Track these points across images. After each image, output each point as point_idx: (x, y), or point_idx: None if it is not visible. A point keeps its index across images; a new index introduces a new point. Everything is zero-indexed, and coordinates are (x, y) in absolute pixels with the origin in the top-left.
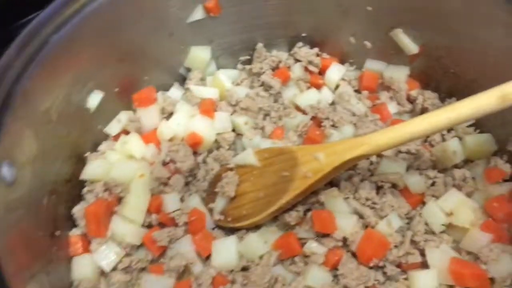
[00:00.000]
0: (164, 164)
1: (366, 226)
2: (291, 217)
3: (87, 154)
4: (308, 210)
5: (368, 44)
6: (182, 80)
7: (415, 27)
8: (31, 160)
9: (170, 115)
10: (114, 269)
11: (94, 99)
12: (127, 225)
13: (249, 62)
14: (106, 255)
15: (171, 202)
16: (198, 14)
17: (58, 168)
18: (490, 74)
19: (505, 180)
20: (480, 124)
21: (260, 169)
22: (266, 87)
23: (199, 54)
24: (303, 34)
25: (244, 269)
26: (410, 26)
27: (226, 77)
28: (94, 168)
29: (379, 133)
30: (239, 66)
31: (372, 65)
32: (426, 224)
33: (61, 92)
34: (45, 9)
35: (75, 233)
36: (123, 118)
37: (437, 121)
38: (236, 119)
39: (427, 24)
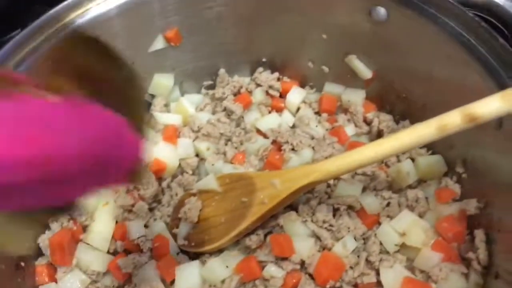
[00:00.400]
0: (128, 191)
1: (323, 248)
2: (252, 240)
3: None
4: (269, 233)
5: (325, 68)
6: (147, 106)
7: (367, 54)
8: None
9: None
10: None
11: None
12: (92, 253)
13: (212, 86)
14: (72, 284)
15: (135, 229)
16: (159, 44)
17: None
18: (437, 100)
19: (455, 200)
20: (431, 145)
21: (222, 194)
22: (228, 112)
23: (162, 81)
24: (263, 59)
25: None
26: (362, 52)
27: (189, 103)
28: None
29: (329, 161)
30: (203, 90)
31: (331, 89)
32: (381, 244)
33: None
34: (4, 47)
35: (41, 262)
36: None
37: (382, 149)
38: (198, 144)
39: (378, 51)
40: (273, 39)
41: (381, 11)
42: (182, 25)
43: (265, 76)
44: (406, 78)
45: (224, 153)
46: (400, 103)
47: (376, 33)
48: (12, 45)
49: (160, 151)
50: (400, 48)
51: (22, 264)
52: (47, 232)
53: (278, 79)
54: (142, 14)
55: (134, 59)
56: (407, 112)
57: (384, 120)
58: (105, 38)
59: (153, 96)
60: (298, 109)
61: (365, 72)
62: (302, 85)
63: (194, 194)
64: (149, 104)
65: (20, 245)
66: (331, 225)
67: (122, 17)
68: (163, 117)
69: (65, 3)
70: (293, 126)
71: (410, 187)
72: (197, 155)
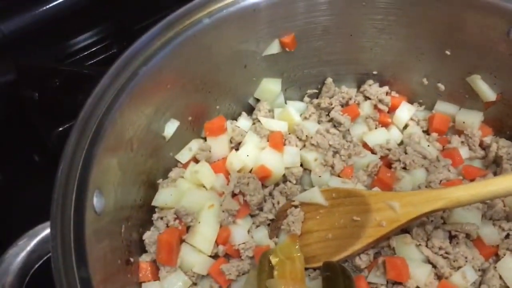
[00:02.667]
0: (233, 195)
1: (438, 276)
2: (362, 260)
3: (159, 181)
4: (378, 253)
5: (441, 86)
6: (250, 110)
7: (495, 75)
8: (114, 188)
9: (238, 144)
10: None
11: (171, 128)
12: (196, 255)
13: (316, 95)
14: (175, 284)
15: (239, 235)
16: (274, 48)
17: (134, 195)
18: None
19: None
20: None
21: (328, 208)
22: (335, 123)
23: (270, 86)
24: (374, 72)
25: None
26: (489, 73)
27: (295, 111)
28: (166, 196)
29: (460, 189)
30: (306, 99)
31: (443, 108)
32: (501, 278)
33: (143, 121)
34: (135, 43)
35: (145, 259)
36: (194, 146)
37: None
38: (305, 154)
39: (508, 73)
40: (388, 52)
41: None
42: (299, 31)
43: (375, 89)
44: None
45: (332, 166)
46: None
47: (510, 55)
48: (141, 42)
49: (266, 158)
50: None
51: (132, 259)
52: (152, 228)
53: (387, 94)
54: (264, 18)
55: (248, 61)
56: None
57: (504, 146)
58: (224, 38)
59: (257, 100)
60: (405, 126)
61: (489, 94)
62: (410, 101)
63: (296, 206)
64: (252, 109)
65: None
66: (447, 253)
67: (245, 20)
68: (269, 123)
69: (193, 2)
70: (401, 143)
71: None
72: (301, 165)
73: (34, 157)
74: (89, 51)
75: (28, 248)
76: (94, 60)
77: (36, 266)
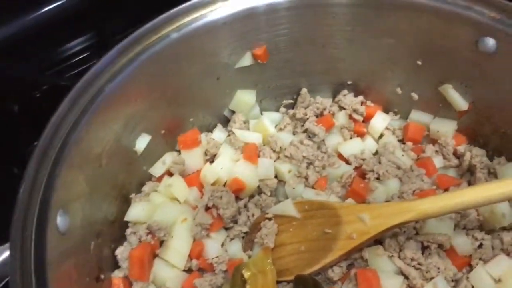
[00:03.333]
0: (207, 209)
1: (410, 287)
2: (334, 272)
3: (132, 195)
4: (351, 265)
5: (415, 96)
6: (225, 122)
7: (466, 84)
8: (81, 206)
9: (213, 156)
10: None
11: (142, 142)
12: (169, 270)
13: (291, 105)
14: None
15: (212, 248)
16: (246, 60)
17: (105, 210)
18: None
19: None
20: None
21: (300, 220)
22: (310, 134)
23: (245, 98)
24: (349, 82)
25: None
26: (460, 82)
27: (270, 122)
28: (139, 211)
29: (428, 201)
30: (282, 109)
31: (418, 117)
32: None
33: (111, 137)
34: (100, 60)
35: (117, 275)
36: (167, 160)
37: (490, 195)
38: (279, 166)
39: (479, 82)
40: (361, 61)
41: (490, 42)
42: (270, 43)
43: (350, 99)
44: (509, 113)
45: (306, 177)
46: (496, 137)
47: (480, 64)
48: (108, 58)
49: (240, 170)
50: (506, 82)
51: (102, 276)
52: (125, 244)
53: (362, 103)
54: (234, 31)
55: (221, 74)
56: (504, 147)
57: (477, 154)
58: (195, 52)
59: (232, 112)
60: (381, 135)
61: (461, 103)
62: (386, 111)
63: (269, 218)
64: (227, 120)
65: None
66: (419, 264)
67: (214, 33)
68: (244, 135)
69: (161, 17)
70: (376, 153)
71: (504, 229)
72: (275, 177)
73: (13, 170)
74: (70, 62)
75: None
76: (76, 71)
77: None
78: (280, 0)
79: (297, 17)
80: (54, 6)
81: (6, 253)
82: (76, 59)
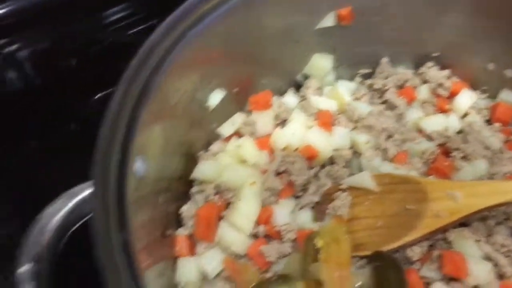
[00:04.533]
0: (277, 174)
1: (499, 276)
2: (414, 252)
3: (200, 153)
4: (432, 246)
5: (509, 72)
6: (297, 87)
7: None
8: (155, 156)
9: (283, 122)
10: (217, 276)
11: (215, 98)
12: (235, 233)
13: (368, 76)
14: (212, 261)
15: (281, 215)
16: (329, 21)
17: (173, 166)
18: None
19: None
20: None
21: (378, 194)
22: (390, 106)
23: (321, 62)
24: (434, 54)
25: None
26: None
27: (346, 90)
28: (206, 169)
29: None
30: (358, 79)
31: (509, 97)
32: None
33: (188, 88)
34: (182, 5)
35: (181, 233)
36: (237, 120)
37: None
38: (356, 136)
39: None
40: (450, 31)
41: None
42: (357, 4)
43: (435, 73)
44: None
45: (385, 150)
46: None
47: None
48: (189, 3)
49: (313, 137)
50: None
51: (168, 232)
52: (189, 202)
53: (448, 78)
54: None
55: (300, 35)
56: None
57: None
58: (276, 6)
59: (306, 77)
60: (465, 114)
61: None
62: (473, 88)
63: (343, 190)
64: (299, 86)
65: None
66: (510, 251)
67: None
68: (318, 101)
69: None
70: (460, 132)
71: None
72: (350, 147)
73: (69, 125)
74: (128, 21)
75: (67, 208)
76: (134, 30)
77: (75, 226)
78: None
79: None
80: None
81: (86, 192)
82: (134, 18)
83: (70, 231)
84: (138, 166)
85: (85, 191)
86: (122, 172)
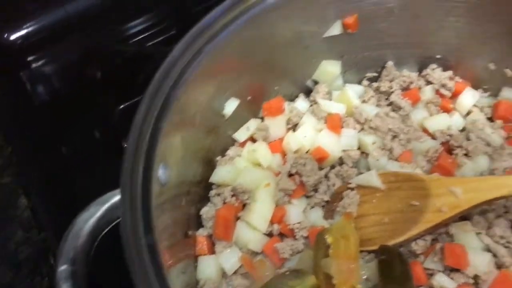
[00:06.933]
0: (289, 175)
1: (499, 266)
2: (418, 245)
3: (217, 158)
4: (435, 240)
5: (509, 72)
6: (308, 92)
7: None
8: (176, 162)
9: (295, 126)
10: (235, 273)
11: (230, 106)
12: (251, 232)
13: (375, 79)
14: (230, 259)
15: (294, 214)
16: (335, 29)
17: (193, 171)
18: None
19: None
20: None
21: (385, 192)
22: (395, 107)
23: (329, 68)
24: (437, 56)
25: None
26: None
27: (354, 93)
28: (224, 173)
29: None
30: (365, 82)
31: (510, 94)
32: None
33: (205, 98)
34: (199, 22)
35: (202, 233)
36: (252, 126)
37: None
38: (363, 137)
39: None
40: (452, 35)
41: None
42: (362, 12)
43: (438, 74)
44: None
45: (391, 150)
46: None
47: None
48: (205, 21)
49: (323, 140)
50: None
51: (190, 233)
52: (209, 204)
53: (451, 79)
54: None
55: (309, 43)
56: None
57: None
58: (287, 18)
59: (316, 82)
60: (468, 113)
61: None
62: (475, 87)
63: (352, 188)
64: (309, 91)
65: None
66: (509, 242)
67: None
68: (327, 105)
69: None
70: (463, 130)
71: None
72: (358, 148)
73: (95, 133)
74: (148, 33)
75: (98, 214)
76: (154, 42)
77: (105, 231)
78: None
79: None
80: None
81: (115, 199)
82: (154, 30)
83: (101, 235)
84: (161, 173)
85: (114, 198)
86: (147, 179)
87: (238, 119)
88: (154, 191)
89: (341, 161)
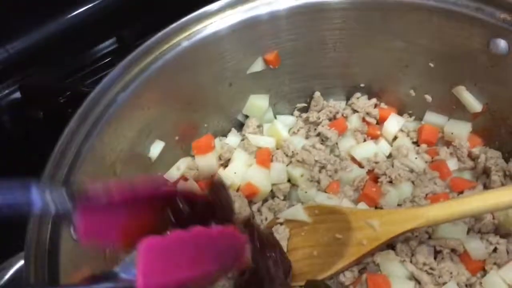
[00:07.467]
0: None
1: None
2: (346, 277)
3: None
4: (363, 269)
5: (428, 97)
6: (240, 126)
7: (479, 86)
8: None
9: (227, 161)
10: None
11: (156, 149)
12: None
13: (305, 109)
14: None
15: None
16: (257, 66)
17: None
18: None
19: None
20: None
21: (311, 225)
22: (323, 138)
23: (258, 103)
24: (361, 85)
25: None
26: (473, 84)
27: (283, 126)
28: None
29: (438, 207)
30: (296, 112)
31: (432, 119)
32: None
33: (125, 145)
34: (113, 70)
35: None
36: (182, 165)
37: (502, 202)
38: (292, 170)
39: (492, 84)
40: (373, 65)
41: (501, 43)
42: (281, 48)
43: (363, 102)
44: None
45: (318, 181)
46: None
47: (492, 66)
48: (120, 68)
49: (253, 175)
50: None
51: None
52: None
53: (375, 106)
54: (244, 38)
55: (233, 80)
56: None
57: (492, 156)
58: (206, 59)
59: (246, 116)
60: (395, 138)
61: (475, 105)
62: (400, 113)
63: (281, 223)
64: (241, 125)
65: None
66: (431, 268)
67: (224, 40)
68: (256, 139)
69: (171, 26)
70: (389, 156)
71: None
72: (289, 181)
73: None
74: (91, 68)
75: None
76: (97, 77)
77: None
78: (280, 8)
79: (304, 22)
80: (77, 13)
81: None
82: (97, 65)
83: None
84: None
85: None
86: (55, 238)
87: (168, 159)
88: (64, 249)
89: (273, 194)
